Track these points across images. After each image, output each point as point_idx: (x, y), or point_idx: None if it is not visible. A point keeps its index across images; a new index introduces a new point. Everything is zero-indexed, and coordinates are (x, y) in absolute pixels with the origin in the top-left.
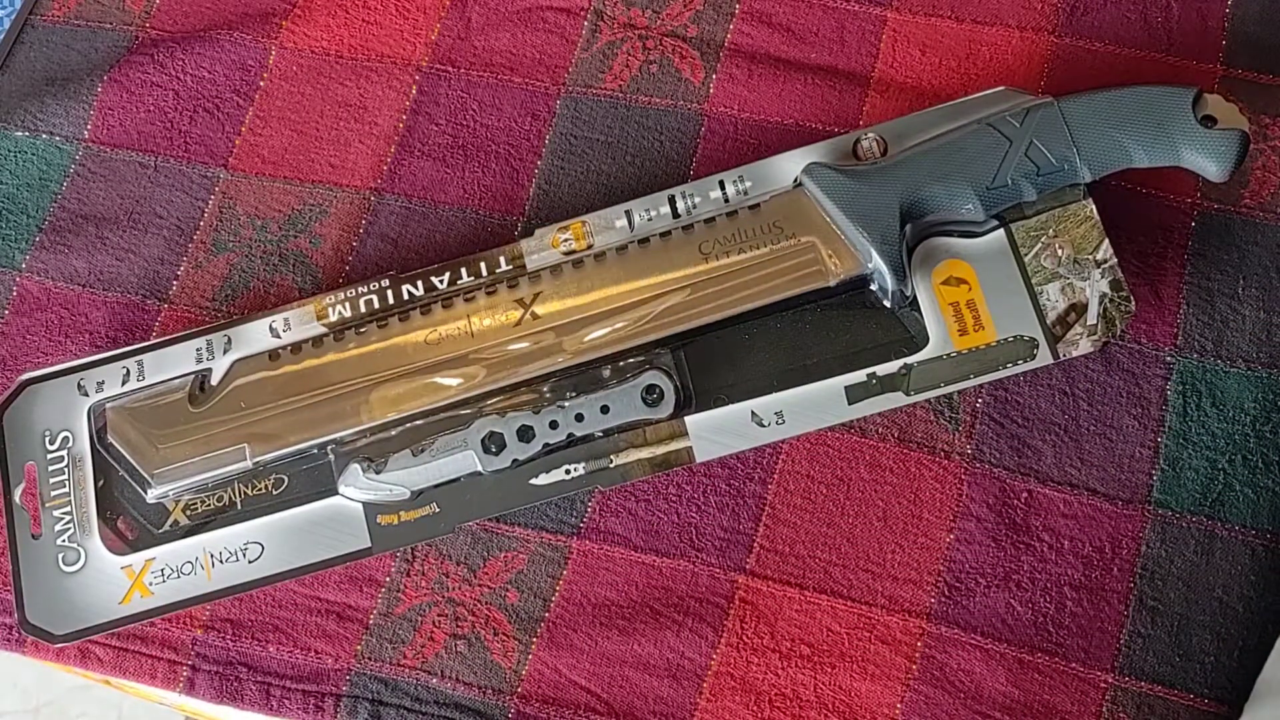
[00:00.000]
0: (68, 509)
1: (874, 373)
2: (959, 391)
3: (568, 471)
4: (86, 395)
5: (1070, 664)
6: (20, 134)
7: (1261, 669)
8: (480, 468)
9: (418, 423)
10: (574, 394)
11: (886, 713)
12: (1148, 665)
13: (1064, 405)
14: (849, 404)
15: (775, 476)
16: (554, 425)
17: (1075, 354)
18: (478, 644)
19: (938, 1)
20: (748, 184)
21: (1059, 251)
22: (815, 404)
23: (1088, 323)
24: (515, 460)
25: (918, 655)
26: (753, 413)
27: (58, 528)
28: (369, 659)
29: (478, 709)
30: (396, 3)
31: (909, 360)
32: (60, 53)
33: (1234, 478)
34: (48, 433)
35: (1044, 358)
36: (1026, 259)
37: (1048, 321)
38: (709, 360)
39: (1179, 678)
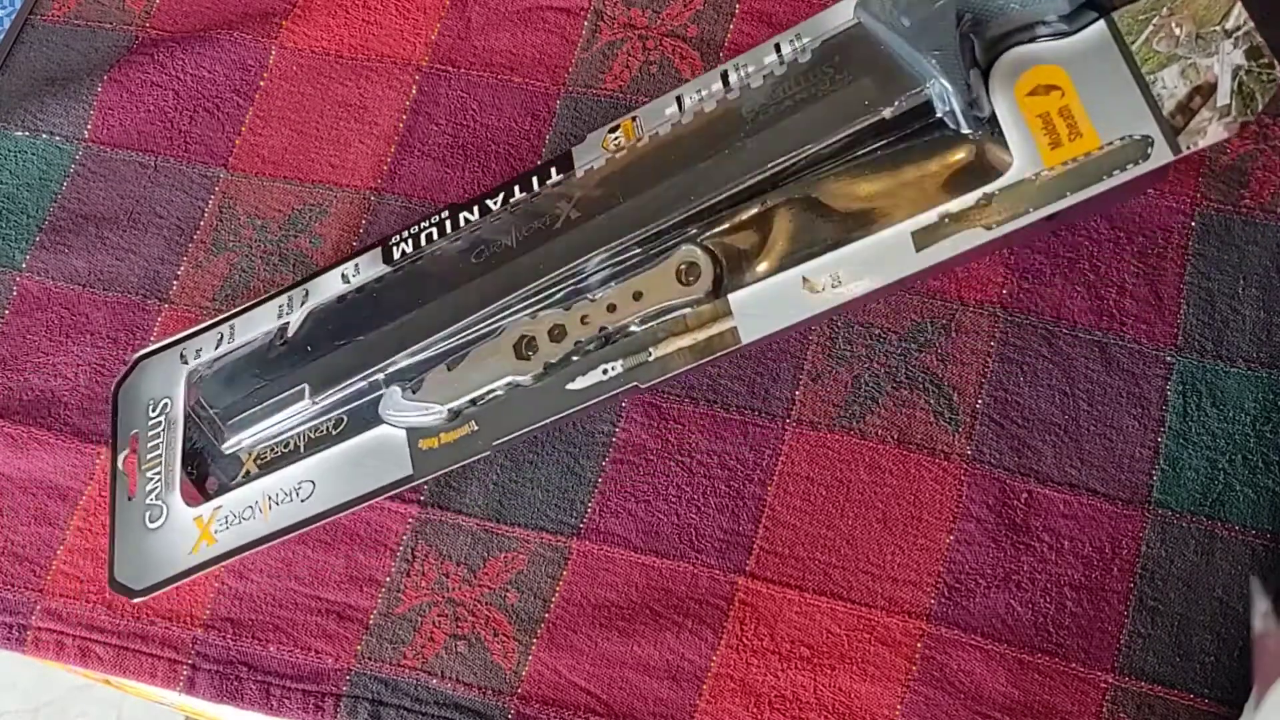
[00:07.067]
0: (158, 469)
1: (947, 211)
2: (958, 392)
3: (605, 371)
4: (186, 362)
5: (1070, 664)
6: (20, 134)
7: None
8: (514, 374)
9: (457, 339)
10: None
11: (886, 714)
12: (1148, 665)
13: (1064, 405)
14: (916, 251)
15: (775, 478)
16: (585, 320)
17: (1202, 144)
18: (478, 644)
19: None
20: (804, 40)
21: (1176, 30)
22: (876, 258)
23: (1218, 104)
24: (548, 364)
25: (917, 656)
26: (804, 278)
27: (148, 487)
28: (369, 659)
29: (478, 709)
30: (396, 3)
31: (988, 189)
32: (60, 53)
33: (1234, 478)
34: (151, 401)
35: (1161, 155)
36: (1134, 47)
37: (1165, 112)
38: (754, 228)
39: (1179, 678)
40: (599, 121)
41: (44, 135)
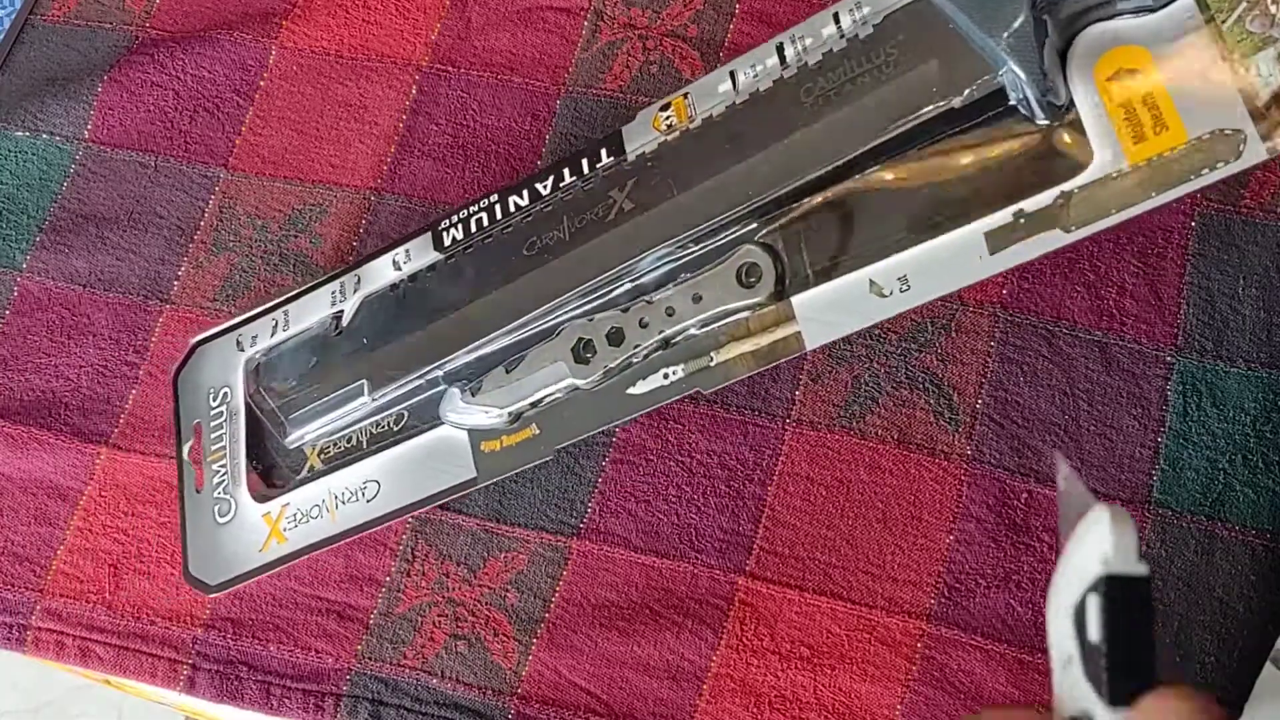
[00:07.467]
0: (224, 462)
1: (1021, 210)
2: (958, 392)
3: (666, 376)
4: (242, 350)
5: None
6: (20, 134)
7: (1261, 669)
8: (572, 378)
9: (513, 338)
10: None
11: (886, 714)
12: None
13: (1064, 405)
14: (991, 254)
15: (775, 478)
16: (644, 324)
17: None
18: (478, 644)
19: None
20: (865, 10)
21: (1272, 8)
22: (948, 260)
23: None
24: (607, 368)
25: (918, 656)
26: (871, 282)
27: (215, 480)
28: (369, 659)
29: (478, 709)
30: (396, 3)
31: (1065, 187)
32: (60, 53)
33: (1234, 478)
34: (211, 390)
35: (1254, 154)
36: (1225, 26)
37: (1259, 103)
38: (818, 228)
39: (1179, 678)
40: (599, 121)
41: (44, 135)
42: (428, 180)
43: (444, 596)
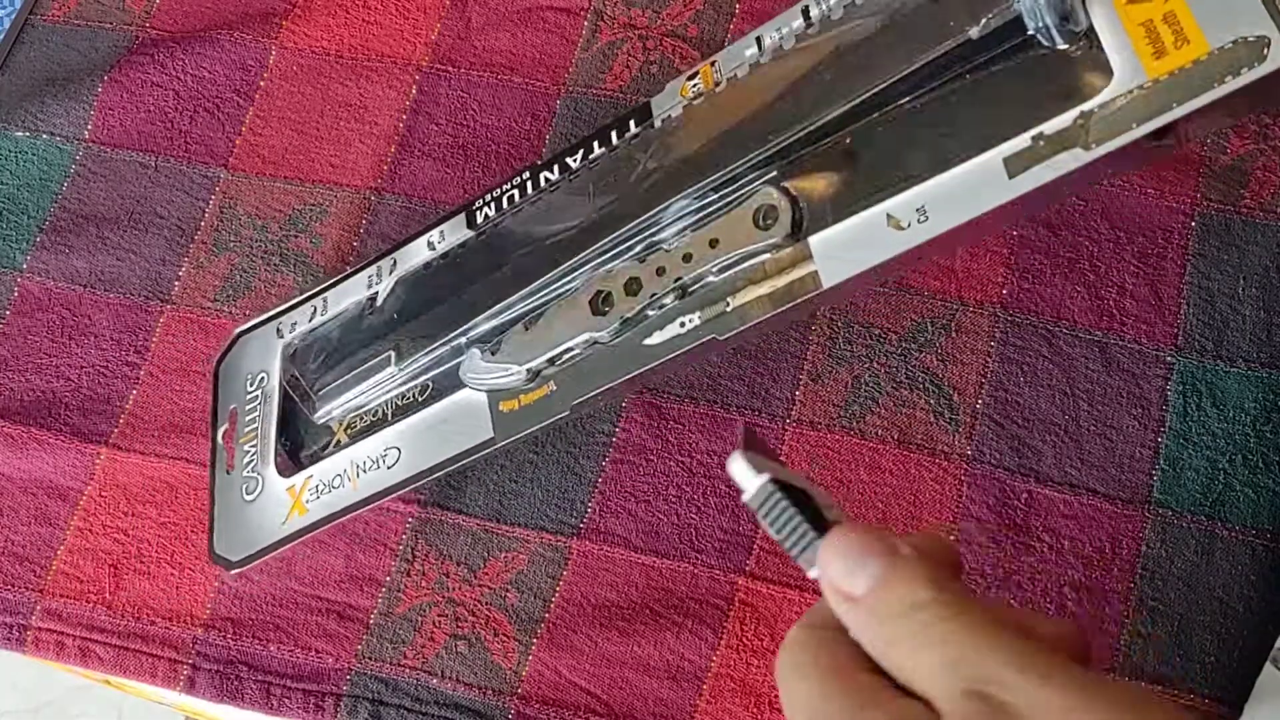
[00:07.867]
0: (255, 442)
1: (1040, 133)
2: (958, 392)
3: (682, 325)
4: (281, 336)
5: None
6: (20, 134)
7: (1261, 669)
8: (589, 331)
9: (535, 300)
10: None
11: None
12: (1148, 665)
13: (1064, 405)
14: (1010, 178)
15: None
16: (661, 271)
17: None
18: (478, 644)
19: None
20: None
21: None
22: (965, 188)
23: None
24: (624, 318)
25: None
26: (888, 215)
27: (245, 460)
28: (369, 659)
29: (478, 709)
30: (396, 3)
31: (1085, 107)
32: (60, 53)
33: (1234, 478)
34: (249, 376)
35: (1278, 57)
36: None
37: None
38: (836, 167)
39: (1179, 678)
40: (599, 122)
41: (44, 135)
42: (428, 180)
43: (444, 596)
